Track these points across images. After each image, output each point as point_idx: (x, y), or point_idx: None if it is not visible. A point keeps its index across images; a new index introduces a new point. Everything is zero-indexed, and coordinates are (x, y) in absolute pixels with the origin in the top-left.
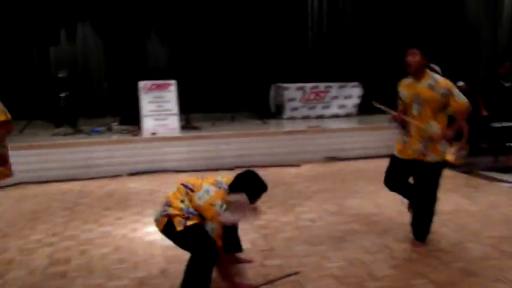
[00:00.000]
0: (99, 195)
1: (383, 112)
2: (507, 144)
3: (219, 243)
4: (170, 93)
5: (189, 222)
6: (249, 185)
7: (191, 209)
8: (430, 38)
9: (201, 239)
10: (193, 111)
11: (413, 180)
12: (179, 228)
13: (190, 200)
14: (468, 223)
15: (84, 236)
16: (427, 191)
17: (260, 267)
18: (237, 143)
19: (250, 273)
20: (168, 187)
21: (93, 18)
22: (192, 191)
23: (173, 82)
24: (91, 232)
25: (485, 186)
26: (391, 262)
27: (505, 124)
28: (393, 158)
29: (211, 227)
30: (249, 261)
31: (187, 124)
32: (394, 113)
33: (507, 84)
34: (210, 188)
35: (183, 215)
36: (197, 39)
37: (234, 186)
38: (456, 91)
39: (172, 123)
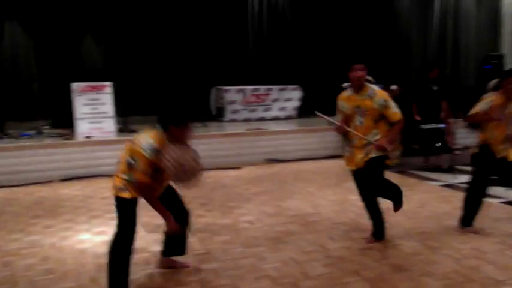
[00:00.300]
0: (27, 202)
1: (325, 113)
2: (436, 145)
3: (144, 179)
4: (106, 96)
5: (124, 194)
6: (173, 113)
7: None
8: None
9: (126, 218)
10: (130, 114)
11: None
12: (113, 192)
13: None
14: (399, 221)
15: (8, 246)
16: (372, 185)
17: (195, 271)
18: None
19: (185, 277)
20: (104, 192)
21: (22, 16)
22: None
23: (109, 84)
24: (16, 242)
25: (416, 185)
26: (325, 261)
27: (433, 126)
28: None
29: (135, 160)
30: (186, 266)
31: (124, 127)
32: (337, 123)
33: (435, 88)
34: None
35: (123, 182)
36: (135, 39)
37: (161, 120)
38: (391, 103)
39: (108, 126)
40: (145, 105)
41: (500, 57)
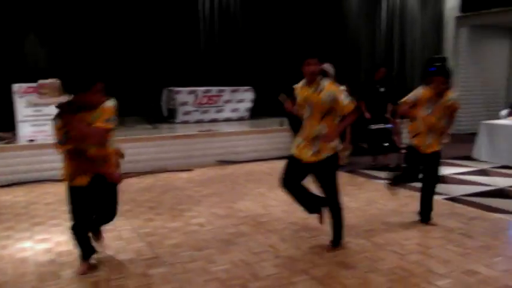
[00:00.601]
0: None
1: (276, 113)
2: (384, 144)
3: (62, 148)
4: None
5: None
6: (78, 80)
7: None
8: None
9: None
10: None
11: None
12: None
13: None
14: (347, 219)
15: None
16: (329, 188)
17: (143, 276)
18: (125, 149)
19: (132, 283)
20: (48, 198)
21: None
22: None
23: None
24: None
25: (364, 183)
26: (274, 261)
27: (381, 126)
28: (290, 158)
29: None
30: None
31: None
32: (288, 104)
33: (382, 89)
34: None
35: None
36: (82, 38)
37: (67, 89)
38: (342, 96)
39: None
40: None
41: (444, 59)
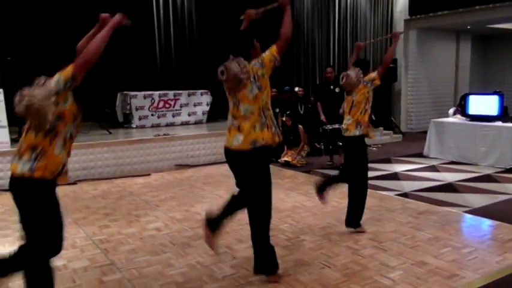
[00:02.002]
0: None
1: None
2: (339, 143)
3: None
4: None
5: None
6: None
7: None
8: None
9: None
10: (25, 122)
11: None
12: None
13: None
14: (304, 217)
15: None
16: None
17: (97, 284)
18: (79, 155)
19: None
20: None
21: None
22: None
23: (0, 91)
24: None
25: None
26: (231, 262)
27: (336, 126)
28: None
29: None
30: None
31: (19, 137)
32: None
33: (337, 90)
34: None
35: None
36: (29, 43)
37: None
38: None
39: (1, 136)
40: None
41: (395, 61)
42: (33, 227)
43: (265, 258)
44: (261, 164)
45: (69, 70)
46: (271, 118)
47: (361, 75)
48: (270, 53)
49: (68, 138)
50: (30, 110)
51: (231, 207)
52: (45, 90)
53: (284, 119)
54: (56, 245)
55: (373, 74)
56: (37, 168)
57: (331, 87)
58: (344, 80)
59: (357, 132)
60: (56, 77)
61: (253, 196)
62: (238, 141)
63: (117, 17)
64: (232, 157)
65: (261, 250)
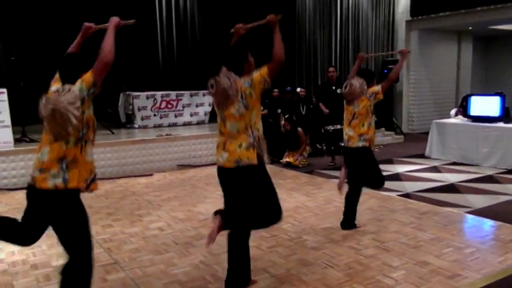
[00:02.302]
0: None
1: None
2: (340, 144)
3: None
4: (1, 103)
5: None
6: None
7: None
8: None
9: None
10: (30, 122)
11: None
12: None
13: None
14: (306, 218)
15: None
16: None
17: (101, 282)
18: None
19: None
20: (1, 208)
21: None
22: None
23: (3, 90)
24: None
25: (323, 183)
26: None
27: (337, 127)
28: None
29: None
30: None
31: (22, 137)
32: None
33: (339, 91)
34: None
35: None
36: (32, 44)
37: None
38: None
39: (5, 136)
40: None
41: (396, 62)
42: (78, 239)
43: (238, 273)
44: (244, 183)
45: (89, 76)
46: (259, 141)
47: (365, 87)
48: (261, 75)
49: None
50: (55, 114)
51: None
52: (71, 96)
53: (283, 122)
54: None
55: (377, 88)
56: (71, 179)
57: (333, 87)
58: (347, 88)
59: (360, 144)
60: (78, 84)
61: (232, 212)
62: (223, 158)
63: (115, 18)
64: (220, 173)
65: (235, 265)
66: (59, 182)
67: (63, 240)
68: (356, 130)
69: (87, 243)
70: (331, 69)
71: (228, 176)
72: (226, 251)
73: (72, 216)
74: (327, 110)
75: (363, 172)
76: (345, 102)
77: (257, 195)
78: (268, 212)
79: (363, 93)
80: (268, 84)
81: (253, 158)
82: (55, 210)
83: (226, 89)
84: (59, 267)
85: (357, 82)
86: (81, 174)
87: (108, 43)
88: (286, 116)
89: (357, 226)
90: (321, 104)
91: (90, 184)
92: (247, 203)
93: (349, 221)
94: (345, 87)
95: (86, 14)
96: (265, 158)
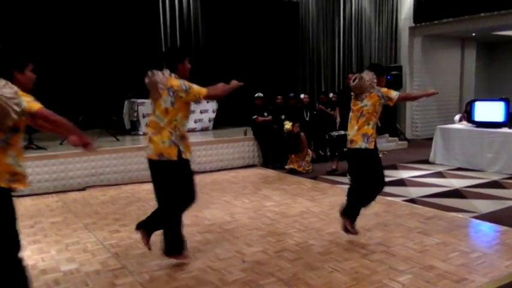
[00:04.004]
0: None
1: (240, 123)
2: (344, 150)
3: None
4: None
5: None
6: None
7: None
8: (278, 61)
9: None
10: (36, 130)
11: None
12: None
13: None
14: (312, 223)
15: None
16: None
17: (110, 287)
18: (88, 162)
19: None
20: None
21: None
22: None
23: None
24: None
25: (328, 189)
26: (241, 266)
27: (342, 133)
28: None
29: None
30: None
31: (29, 144)
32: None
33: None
34: None
35: None
36: (41, 50)
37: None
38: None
39: None
40: None
41: (399, 68)
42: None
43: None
44: (163, 175)
45: (29, 99)
46: (183, 139)
47: (375, 80)
48: (198, 93)
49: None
50: None
51: None
52: (10, 91)
53: (288, 126)
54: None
55: (394, 94)
56: None
57: (351, 94)
58: (357, 81)
59: (363, 146)
60: (23, 98)
61: (159, 200)
62: (150, 150)
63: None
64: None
65: (168, 234)
66: None
67: None
68: (362, 131)
69: (14, 241)
70: (350, 75)
71: (153, 168)
72: (234, 256)
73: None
74: (339, 119)
75: (366, 174)
76: (352, 98)
77: (174, 185)
78: (185, 197)
79: (373, 87)
80: (199, 101)
81: (174, 154)
82: None
83: (157, 81)
84: (69, 270)
85: (366, 76)
86: (1, 174)
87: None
88: (297, 120)
89: (356, 231)
90: (337, 112)
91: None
92: (167, 192)
93: (350, 211)
94: (354, 79)
95: (90, 21)
96: (187, 154)
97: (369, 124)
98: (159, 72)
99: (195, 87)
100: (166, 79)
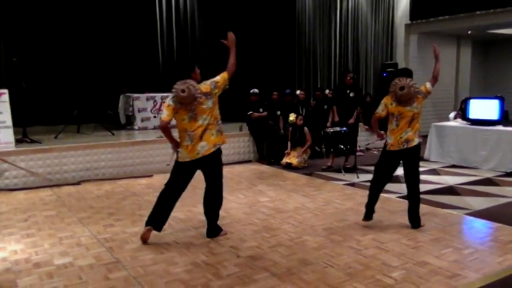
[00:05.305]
0: None
1: (236, 118)
2: (339, 146)
3: None
4: (2, 104)
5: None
6: None
7: None
8: (275, 57)
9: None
10: (31, 124)
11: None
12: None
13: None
14: (306, 218)
15: None
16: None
17: (103, 281)
18: (83, 156)
19: None
20: (2, 208)
21: None
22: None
23: (5, 91)
24: None
25: (323, 185)
26: (235, 261)
27: (337, 129)
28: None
29: None
30: None
31: (23, 138)
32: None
33: (352, 94)
34: None
35: None
36: (36, 43)
37: None
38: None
39: (6, 136)
40: (48, 114)
41: (396, 65)
42: None
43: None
44: (219, 160)
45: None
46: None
47: (416, 86)
48: (224, 80)
49: None
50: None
51: None
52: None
53: (292, 118)
54: None
55: (430, 87)
56: None
57: (347, 91)
58: (405, 90)
59: (418, 140)
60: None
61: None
62: (206, 146)
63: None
64: (198, 162)
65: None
66: None
67: None
68: (415, 129)
69: None
70: (350, 74)
71: (210, 160)
72: (228, 251)
73: None
74: (337, 118)
75: (418, 169)
76: (397, 102)
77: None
78: None
79: (418, 93)
80: (227, 86)
81: (223, 139)
82: None
83: (194, 95)
84: (62, 264)
85: (411, 83)
86: None
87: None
88: (301, 113)
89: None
90: (334, 110)
91: None
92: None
93: (413, 217)
94: (402, 88)
95: (86, 15)
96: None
97: (417, 122)
98: (190, 86)
99: (218, 78)
100: (198, 88)
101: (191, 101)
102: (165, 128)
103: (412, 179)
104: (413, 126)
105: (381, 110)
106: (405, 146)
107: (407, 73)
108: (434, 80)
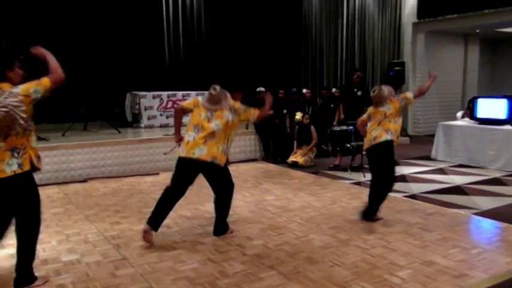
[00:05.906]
0: None
1: None
2: (346, 145)
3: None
4: None
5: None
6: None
7: None
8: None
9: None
10: (38, 121)
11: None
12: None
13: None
14: (313, 217)
15: None
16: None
17: (110, 278)
18: (89, 154)
19: (100, 285)
20: None
21: None
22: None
23: None
24: None
25: (329, 184)
26: (242, 259)
27: (344, 128)
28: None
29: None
30: None
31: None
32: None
33: (359, 93)
34: None
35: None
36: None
37: None
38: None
39: None
40: (55, 112)
41: (403, 64)
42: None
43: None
44: (215, 175)
45: (47, 83)
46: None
47: (393, 92)
48: (253, 114)
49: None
50: (6, 117)
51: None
52: (15, 100)
53: (298, 117)
54: None
55: (410, 95)
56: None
57: (355, 89)
58: (376, 92)
59: (388, 137)
60: (34, 86)
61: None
62: (203, 151)
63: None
64: (196, 165)
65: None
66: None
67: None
68: (384, 127)
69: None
70: (357, 73)
71: (210, 170)
72: (234, 249)
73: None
74: (343, 116)
75: (387, 165)
76: (373, 105)
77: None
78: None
79: (389, 97)
80: (250, 121)
81: (223, 161)
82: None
83: (222, 98)
84: (70, 261)
85: (385, 88)
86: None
87: (56, 63)
88: (308, 112)
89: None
90: (341, 108)
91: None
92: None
93: (369, 211)
94: (374, 90)
95: (93, 13)
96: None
97: (390, 122)
98: (224, 91)
99: (251, 109)
100: (229, 100)
101: (217, 100)
102: (178, 111)
103: (380, 173)
104: (384, 124)
105: (365, 115)
106: (372, 143)
107: (392, 81)
108: (420, 94)
